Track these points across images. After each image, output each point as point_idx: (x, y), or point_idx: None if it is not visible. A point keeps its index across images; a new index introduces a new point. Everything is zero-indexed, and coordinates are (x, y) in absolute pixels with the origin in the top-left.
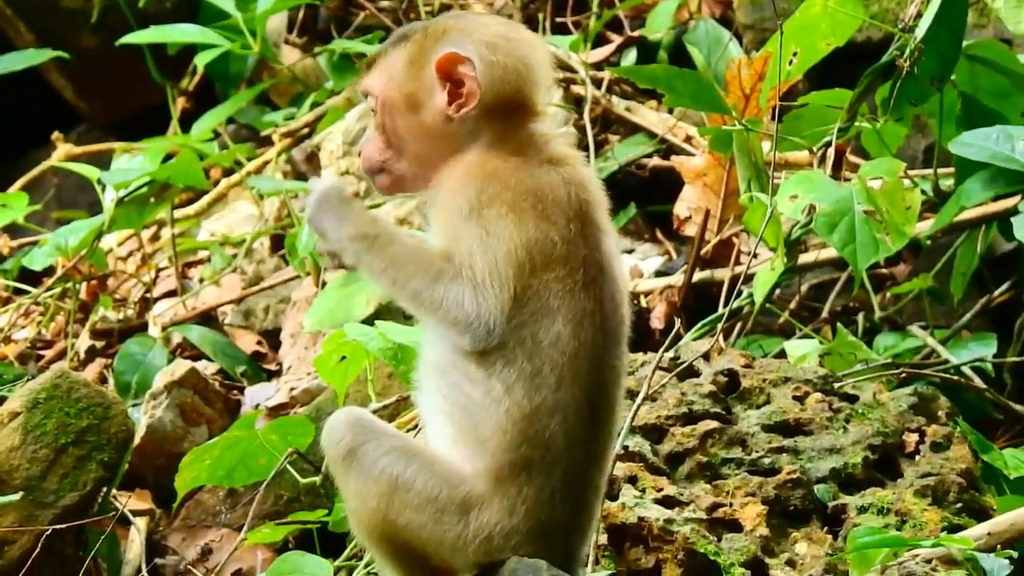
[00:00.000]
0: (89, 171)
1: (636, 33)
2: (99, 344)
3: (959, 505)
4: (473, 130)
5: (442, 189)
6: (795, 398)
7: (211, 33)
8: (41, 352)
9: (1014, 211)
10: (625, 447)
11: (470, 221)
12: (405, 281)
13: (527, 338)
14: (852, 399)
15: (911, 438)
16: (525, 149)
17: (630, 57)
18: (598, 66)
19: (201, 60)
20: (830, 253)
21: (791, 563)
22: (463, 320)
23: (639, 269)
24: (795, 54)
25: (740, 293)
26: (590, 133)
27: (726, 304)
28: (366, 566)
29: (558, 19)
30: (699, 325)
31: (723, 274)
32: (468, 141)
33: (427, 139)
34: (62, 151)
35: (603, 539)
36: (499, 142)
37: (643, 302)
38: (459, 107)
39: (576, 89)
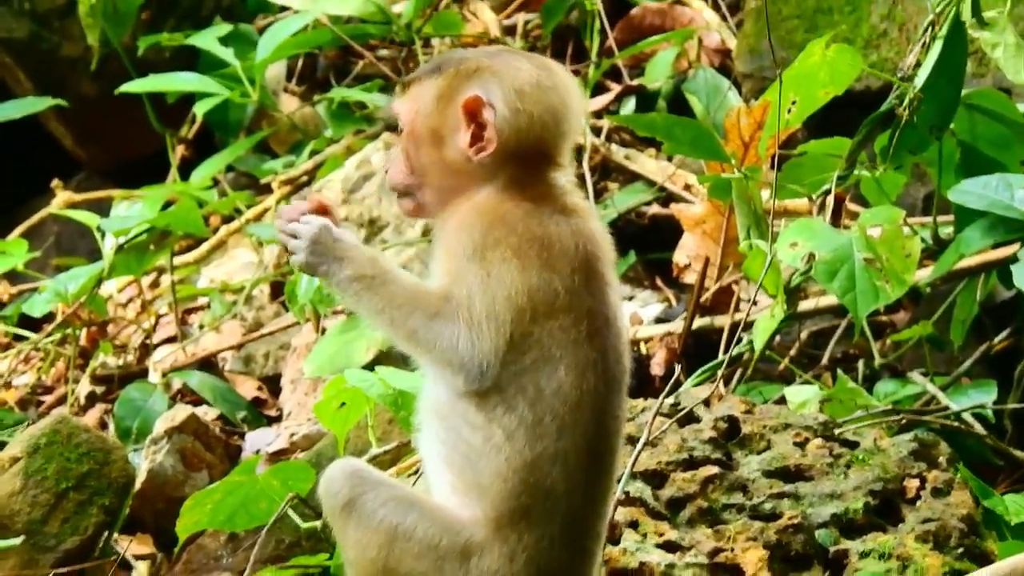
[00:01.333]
0: (89, 218)
1: (635, 82)
2: (99, 390)
3: (960, 550)
4: (491, 171)
5: (449, 225)
6: (796, 444)
7: (210, 82)
8: (41, 398)
9: (1013, 259)
10: (626, 492)
11: (473, 262)
12: (403, 320)
13: (528, 386)
14: (853, 445)
15: (912, 484)
16: (540, 196)
17: (629, 106)
18: (597, 114)
19: (200, 108)
20: (830, 300)
21: None
22: (457, 360)
23: (639, 316)
24: (794, 102)
25: (740, 340)
26: (589, 181)
27: (726, 351)
28: None
29: None
30: (699, 371)
31: (723, 321)
32: (485, 180)
33: (446, 173)
34: (61, 198)
35: None
36: (515, 186)
37: (643, 349)
38: (479, 150)
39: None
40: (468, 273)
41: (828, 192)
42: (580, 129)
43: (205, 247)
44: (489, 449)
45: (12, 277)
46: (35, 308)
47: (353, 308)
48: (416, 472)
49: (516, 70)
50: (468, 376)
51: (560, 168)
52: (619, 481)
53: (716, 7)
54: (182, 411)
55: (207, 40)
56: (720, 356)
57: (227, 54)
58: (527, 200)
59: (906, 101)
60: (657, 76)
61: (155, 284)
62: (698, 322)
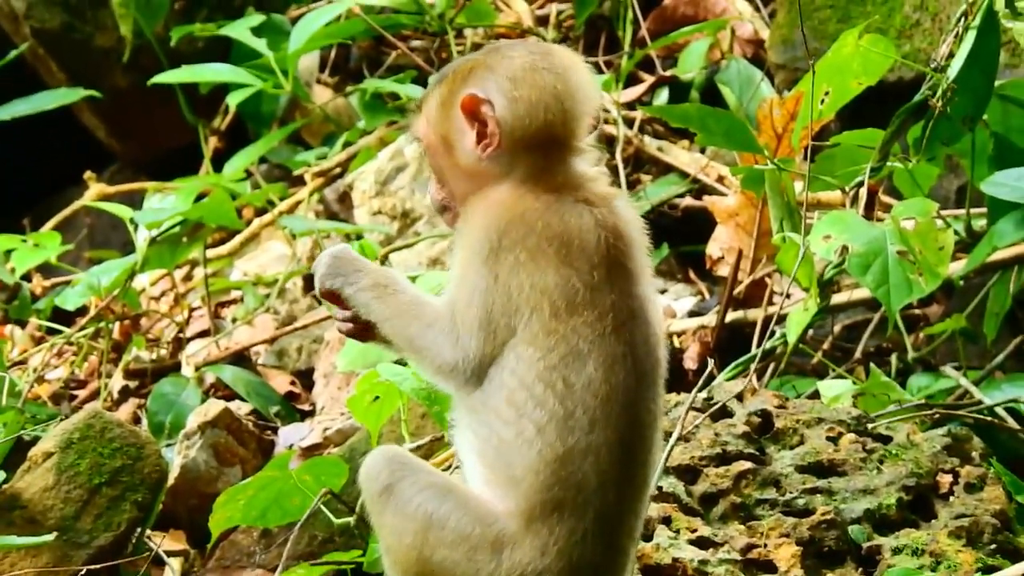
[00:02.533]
0: (122, 210)
1: (668, 73)
2: (132, 384)
3: (993, 546)
4: (507, 165)
5: (468, 221)
6: (829, 439)
7: (243, 73)
8: (74, 392)
9: None
10: (659, 488)
11: (484, 265)
12: (403, 328)
13: (558, 381)
14: (886, 440)
15: (945, 479)
16: (561, 186)
17: (662, 96)
18: (630, 105)
19: (233, 100)
20: (863, 293)
21: None
22: (444, 366)
23: (672, 309)
24: (827, 93)
25: (773, 333)
26: (622, 173)
27: (759, 344)
28: None
29: (590, 58)
30: (732, 366)
31: (756, 314)
32: (503, 175)
33: (465, 178)
34: (94, 190)
35: None
36: (534, 177)
37: (676, 342)
38: (485, 147)
39: (608, 128)
40: (476, 276)
41: (861, 184)
42: (590, 107)
43: (238, 240)
44: (521, 443)
45: (45, 270)
46: (68, 301)
47: (367, 318)
48: (450, 467)
49: (510, 59)
50: (455, 382)
51: (579, 152)
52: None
53: None
54: (215, 406)
55: (240, 31)
56: (753, 350)
57: (260, 45)
58: (548, 192)
59: (939, 92)
60: (690, 67)
61: (188, 277)
62: (731, 315)
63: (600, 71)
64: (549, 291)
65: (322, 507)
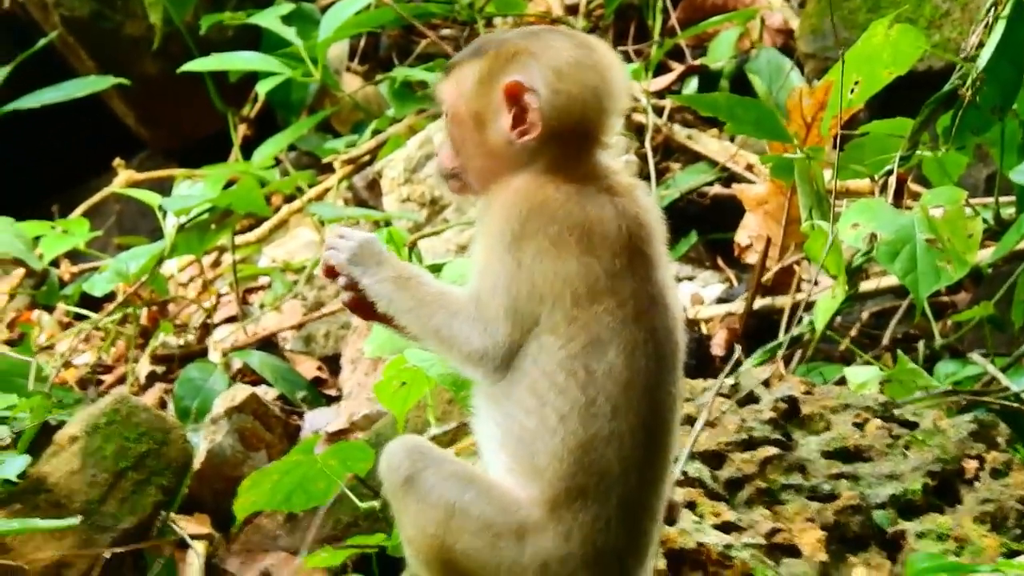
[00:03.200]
0: (150, 197)
1: (697, 62)
2: (159, 369)
3: (1018, 531)
4: (534, 152)
5: (490, 209)
6: (855, 425)
7: (272, 61)
8: (101, 377)
9: None
10: (684, 473)
11: (508, 252)
12: (428, 318)
13: (579, 369)
14: (912, 426)
15: (970, 464)
16: (583, 177)
17: (691, 85)
18: (660, 94)
19: (263, 87)
20: (891, 281)
21: None
22: (473, 356)
23: (700, 296)
24: (856, 83)
25: (800, 321)
26: (651, 161)
27: (786, 331)
28: None
29: (619, 47)
30: (759, 352)
31: (784, 301)
32: (528, 162)
33: (489, 156)
34: (123, 177)
35: (662, 564)
36: (558, 167)
37: (704, 329)
38: (521, 133)
39: (637, 117)
40: (499, 264)
41: (890, 172)
42: (623, 106)
43: (266, 226)
44: (544, 431)
45: (74, 256)
46: (96, 287)
47: (386, 309)
48: (474, 454)
49: (555, 50)
50: (484, 370)
51: (604, 146)
52: (676, 461)
53: None
54: (242, 391)
55: (269, 19)
56: (780, 337)
57: (289, 33)
58: (570, 182)
59: (968, 81)
60: (719, 56)
61: (216, 264)
62: (759, 302)
63: (629, 60)
64: (571, 279)
65: (347, 491)
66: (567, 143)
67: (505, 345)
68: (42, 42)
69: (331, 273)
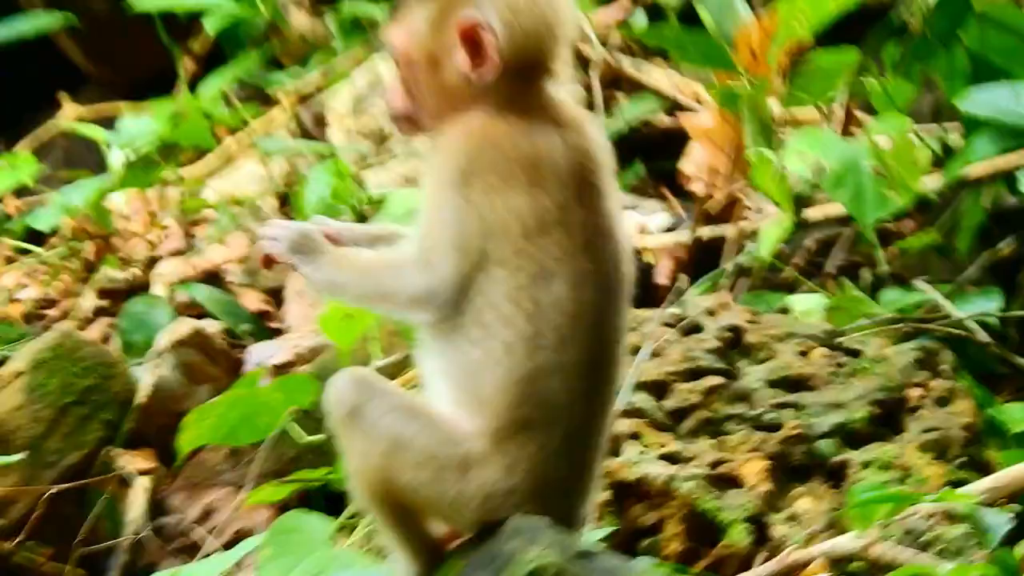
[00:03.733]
0: (96, 132)
1: None
2: (105, 304)
3: (962, 460)
4: (487, 89)
5: (440, 148)
6: (799, 353)
7: None
8: (45, 312)
9: (1020, 167)
10: (629, 403)
11: (455, 190)
12: (373, 282)
13: (526, 300)
14: (856, 354)
15: (914, 393)
16: (534, 110)
17: (640, 19)
18: (609, 26)
19: (210, 25)
20: (836, 209)
21: (793, 519)
22: (418, 297)
23: (645, 226)
24: (803, 13)
25: (744, 249)
26: (598, 92)
27: (732, 259)
28: (367, 525)
29: None
30: (702, 280)
31: (728, 230)
32: (481, 99)
33: (443, 96)
34: (69, 111)
35: (606, 495)
36: (510, 102)
37: (648, 258)
38: (478, 70)
39: (584, 48)
40: (447, 202)
41: (837, 101)
42: (573, 37)
43: (212, 159)
44: (489, 363)
45: (19, 191)
46: (41, 221)
47: (332, 292)
48: (419, 386)
49: None
50: (431, 309)
51: (554, 76)
52: (618, 393)
53: None
54: (186, 324)
55: None
56: (724, 265)
57: None
58: (521, 117)
59: (915, 9)
60: None
61: (161, 197)
62: (704, 231)
63: None
64: (520, 212)
65: (292, 425)
66: (520, 78)
67: (452, 281)
68: None
69: (269, 263)
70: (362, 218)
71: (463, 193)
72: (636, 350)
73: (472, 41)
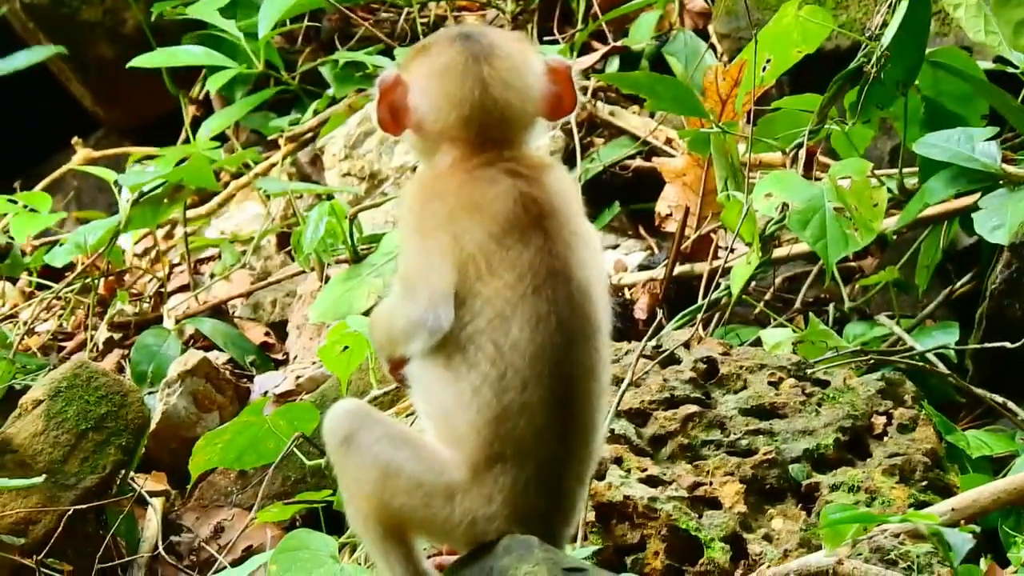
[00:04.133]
0: (107, 174)
1: (620, 43)
2: (117, 336)
3: (925, 483)
4: (434, 144)
5: (400, 199)
6: (770, 383)
7: (217, 56)
8: (62, 344)
9: (974, 208)
10: (611, 430)
11: (415, 234)
12: (379, 327)
13: (487, 344)
14: (824, 384)
15: (879, 420)
16: (486, 164)
17: (613, 65)
18: (584, 73)
19: (213, 84)
20: (802, 248)
21: (768, 538)
22: (412, 329)
23: (623, 263)
24: (768, 61)
25: (718, 286)
26: (576, 137)
27: (705, 296)
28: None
29: (546, 29)
30: (680, 316)
31: (702, 268)
32: (431, 154)
33: (408, 141)
34: (82, 155)
35: (591, 516)
36: (462, 158)
37: (627, 294)
38: (387, 129)
39: None
40: (409, 246)
41: (800, 145)
42: (524, 112)
43: (216, 200)
44: (461, 404)
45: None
46: (56, 259)
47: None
48: (413, 414)
49: (441, 54)
50: (424, 335)
51: (515, 143)
52: (605, 420)
53: None
54: (194, 356)
55: (208, 11)
56: (699, 301)
57: (229, 26)
58: (477, 168)
59: (873, 59)
60: (640, 37)
61: (169, 236)
62: (679, 269)
63: (555, 41)
64: (473, 256)
65: (295, 450)
66: (463, 140)
67: (433, 305)
68: None
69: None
70: (357, 255)
71: (419, 235)
72: (618, 381)
73: (389, 102)
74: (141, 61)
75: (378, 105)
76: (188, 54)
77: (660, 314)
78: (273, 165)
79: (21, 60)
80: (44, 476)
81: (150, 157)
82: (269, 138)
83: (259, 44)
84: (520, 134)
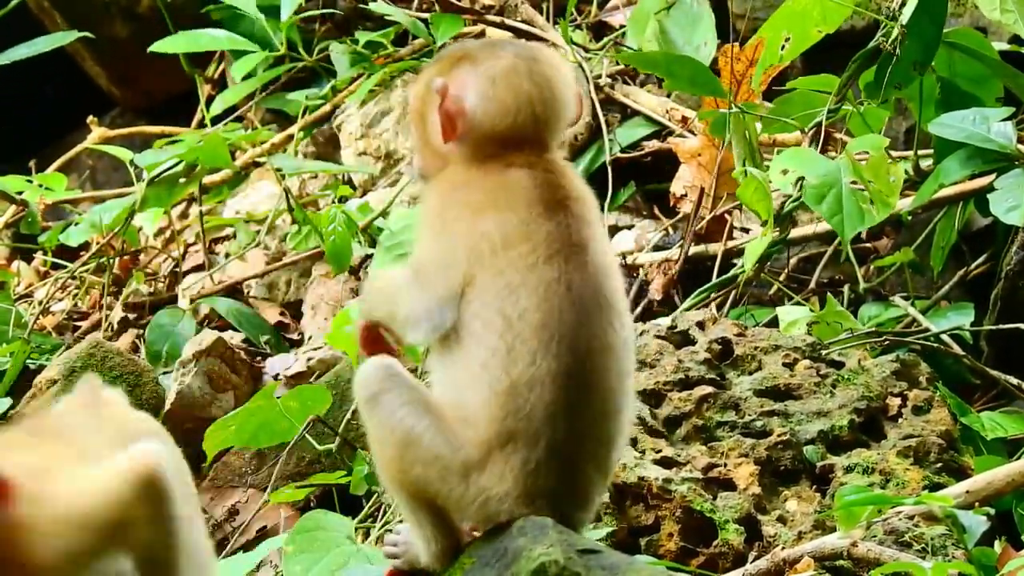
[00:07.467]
0: (122, 153)
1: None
2: (131, 316)
3: (939, 465)
4: (469, 153)
5: (425, 196)
6: (785, 365)
7: (240, 40)
8: (77, 323)
9: (990, 188)
10: None
11: (434, 221)
12: (384, 301)
13: (495, 317)
14: (839, 365)
15: (894, 402)
16: (511, 164)
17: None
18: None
19: (238, 72)
20: (818, 228)
21: (782, 520)
22: (412, 319)
23: (639, 244)
24: (787, 40)
25: (733, 266)
26: (601, 115)
27: (719, 276)
28: (383, 525)
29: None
30: (694, 295)
31: (717, 248)
32: (463, 160)
33: (431, 154)
34: (97, 134)
35: (605, 498)
36: (489, 161)
37: (642, 274)
38: (445, 136)
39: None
40: (427, 234)
41: (818, 125)
42: (565, 116)
43: (231, 179)
44: (471, 380)
45: (49, 209)
46: (72, 238)
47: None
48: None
49: (496, 59)
50: (426, 327)
51: (547, 150)
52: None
53: None
54: (209, 335)
55: None
56: (713, 280)
57: (248, 4)
58: (497, 167)
59: (891, 39)
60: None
61: (184, 215)
62: (694, 249)
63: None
64: (488, 233)
65: (307, 436)
66: (503, 146)
67: (440, 297)
68: (13, 3)
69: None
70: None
71: (439, 223)
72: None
73: (443, 106)
74: (163, 46)
75: (437, 113)
76: (210, 39)
77: (676, 294)
78: (290, 137)
79: (42, 44)
80: None
81: (172, 140)
82: (289, 116)
83: (283, 27)
84: (560, 134)
